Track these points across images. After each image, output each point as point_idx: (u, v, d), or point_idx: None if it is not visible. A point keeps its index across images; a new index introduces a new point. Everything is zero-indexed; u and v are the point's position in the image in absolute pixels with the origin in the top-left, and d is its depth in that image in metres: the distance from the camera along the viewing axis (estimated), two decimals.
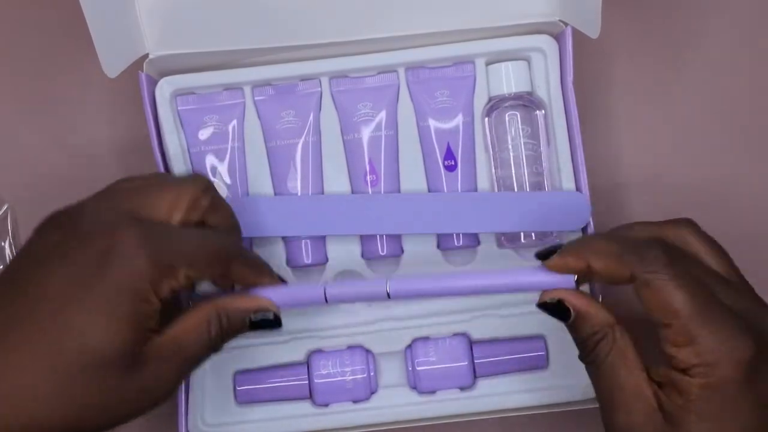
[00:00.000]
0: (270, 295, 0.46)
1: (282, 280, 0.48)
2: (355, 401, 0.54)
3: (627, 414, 0.42)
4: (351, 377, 0.53)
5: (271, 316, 0.46)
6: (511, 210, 0.53)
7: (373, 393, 0.54)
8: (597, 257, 0.42)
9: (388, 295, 0.47)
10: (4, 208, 0.59)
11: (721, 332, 0.40)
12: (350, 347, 0.54)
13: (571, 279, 0.43)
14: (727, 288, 0.42)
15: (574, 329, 0.44)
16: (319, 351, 0.54)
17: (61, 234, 0.41)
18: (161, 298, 0.41)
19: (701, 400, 0.40)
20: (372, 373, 0.54)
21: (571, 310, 0.43)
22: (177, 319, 0.43)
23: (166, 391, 0.42)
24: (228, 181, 0.55)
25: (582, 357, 0.44)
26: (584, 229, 0.54)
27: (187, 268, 0.42)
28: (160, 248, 0.41)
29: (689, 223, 0.46)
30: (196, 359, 0.43)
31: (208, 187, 0.45)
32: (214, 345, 0.44)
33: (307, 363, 0.54)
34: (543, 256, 0.44)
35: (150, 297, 0.40)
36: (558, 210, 0.53)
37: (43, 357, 0.38)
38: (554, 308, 0.44)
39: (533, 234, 0.54)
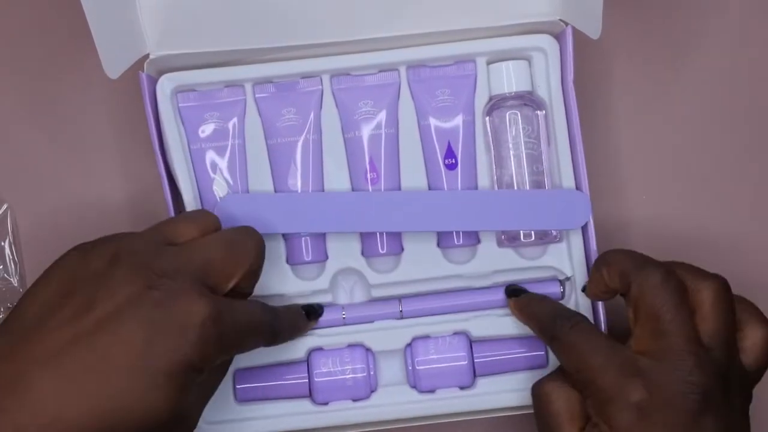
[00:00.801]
0: None
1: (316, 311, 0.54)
2: (354, 399, 0.53)
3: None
4: (351, 375, 0.53)
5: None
6: (511, 208, 0.53)
7: (373, 391, 0.54)
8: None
9: (401, 314, 0.54)
10: (4, 208, 0.59)
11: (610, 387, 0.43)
12: (350, 345, 0.54)
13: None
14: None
15: None
16: (319, 349, 0.54)
17: (136, 287, 0.41)
18: None
19: None
20: (372, 372, 0.54)
21: None
22: None
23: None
24: (228, 178, 0.55)
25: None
26: (584, 228, 0.54)
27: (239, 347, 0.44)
28: (224, 331, 0.42)
29: (714, 281, 0.46)
30: None
31: (261, 253, 0.47)
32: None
33: (308, 361, 0.54)
34: (511, 293, 0.52)
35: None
36: (558, 208, 0.53)
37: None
38: None
39: (533, 234, 0.54)
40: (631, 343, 0.45)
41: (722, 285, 0.45)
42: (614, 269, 0.46)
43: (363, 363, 0.53)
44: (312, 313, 0.53)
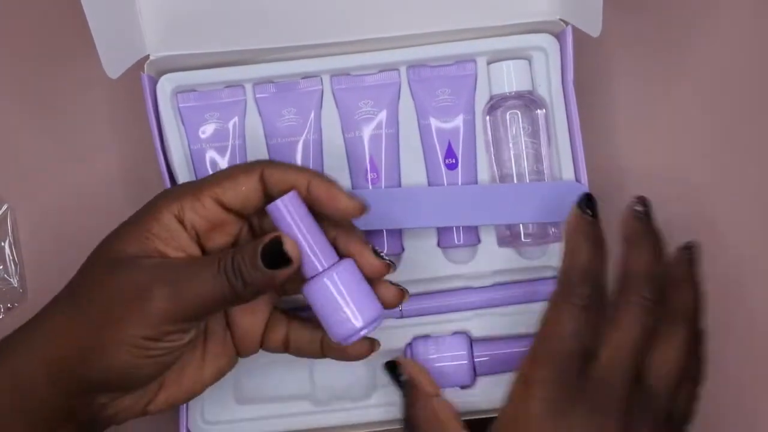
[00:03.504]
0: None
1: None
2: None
3: None
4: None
5: (278, 241, 0.44)
6: (511, 202, 0.53)
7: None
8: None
9: (401, 313, 0.54)
10: (4, 208, 0.59)
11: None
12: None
13: None
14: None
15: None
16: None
17: None
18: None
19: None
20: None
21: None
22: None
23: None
24: None
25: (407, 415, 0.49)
26: None
27: None
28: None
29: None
30: (209, 296, 0.44)
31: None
32: (230, 283, 0.43)
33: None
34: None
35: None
36: (558, 200, 0.52)
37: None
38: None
39: (532, 235, 0.54)
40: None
41: (699, 337, 0.47)
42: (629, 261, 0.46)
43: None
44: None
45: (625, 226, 0.47)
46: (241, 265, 0.44)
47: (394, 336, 0.54)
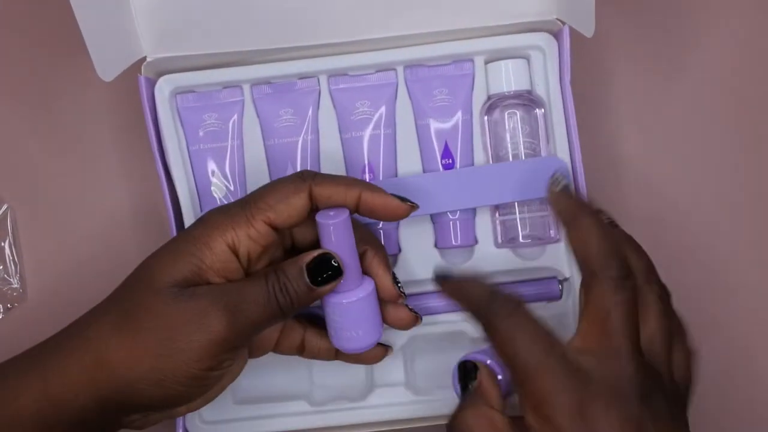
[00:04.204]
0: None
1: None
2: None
3: None
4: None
5: (327, 257, 0.46)
6: (494, 182, 0.53)
7: None
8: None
9: None
10: (4, 208, 0.59)
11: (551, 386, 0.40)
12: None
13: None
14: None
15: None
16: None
17: None
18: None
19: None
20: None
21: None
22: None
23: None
24: (227, 179, 0.55)
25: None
26: None
27: None
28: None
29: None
30: (262, 319, 0.45)
31: None
32: (279, 304, 0.44)
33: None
34: (440, 278, 0.45)
35: None
36: (539, 176, 0.50)
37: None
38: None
39: (531, 236, 0.54)
40: (577, 335, 0.43)
41: (667, 294, 0.44)
42: (580, 247, 0.43)
43: None
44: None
45: (558, 209, 0.45)
46: (287, 284, 0.45)
47: (393, 336, 0.54)
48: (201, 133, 0.55)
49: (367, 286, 0.48)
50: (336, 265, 0.46)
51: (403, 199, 0.48)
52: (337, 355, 0.51)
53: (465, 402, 0.44)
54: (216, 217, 0.46)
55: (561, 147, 0.54)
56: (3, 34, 0.61)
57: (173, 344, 0.43)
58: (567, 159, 0.54)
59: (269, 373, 0.55)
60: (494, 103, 0.55)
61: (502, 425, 0.42)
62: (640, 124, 0.60)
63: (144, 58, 0.54)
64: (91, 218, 0.59)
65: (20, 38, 0.61)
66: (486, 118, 0.55)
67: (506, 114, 0.54)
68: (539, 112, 0.54)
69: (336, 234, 0.46)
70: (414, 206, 0.48)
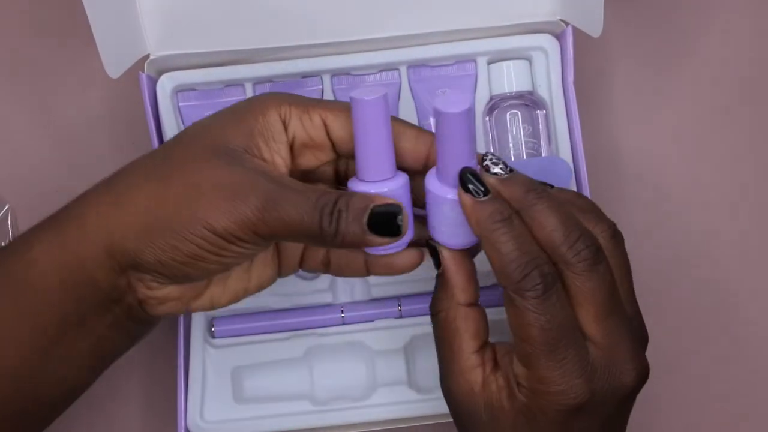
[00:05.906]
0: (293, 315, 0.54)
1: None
2: None
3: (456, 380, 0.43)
4: None
5: (397, 210, 0.41)
6: None
7: None
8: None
9: (401, 313, 0.55)
10: (5, 208, 0.59)
11: (562, 373, 0.40)
12: None
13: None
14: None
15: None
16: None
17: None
18: None
19: (515, 413, 0.41)
20: None
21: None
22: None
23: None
24: None
25: (432, 308, 0.44)
26: None
27: None
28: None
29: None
30: (299, 231, 0.41)
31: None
32: (321, 225, 0.41)
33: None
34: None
35: None
36: (541, 177, 0.49)
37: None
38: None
39: None
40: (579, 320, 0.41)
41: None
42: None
43: None
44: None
45: (511, 194, 0.41)
46: (342, 214, 0.41)
47: (394, 336, 0.54)
48: None
49: (399, 179, 0.43)
50: (400, 224, 0.41)
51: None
52: (369, 268, 0.47)
53: (435, 292, 0.44)
54: (273, 93, 0.45)
55: (563, 147, 0.54)
56: (3, 34, 0.61)
57: (200, 198, 0.41)
58: (568, 159, 0.54)
59: (271, 373, 0.54)
60: (496, 104, 0.55)
61: (466, 320, 0.43)
62: (640, 125, 0.60)
63: (147, 56, 0.54)
64: None
65: (20, 37, 0.61)
66: (488, 118, 0.55)
67: (508, 115, 0.55)
68: (541, 113, 0.55)
69: (374, 114, 0.41)
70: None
